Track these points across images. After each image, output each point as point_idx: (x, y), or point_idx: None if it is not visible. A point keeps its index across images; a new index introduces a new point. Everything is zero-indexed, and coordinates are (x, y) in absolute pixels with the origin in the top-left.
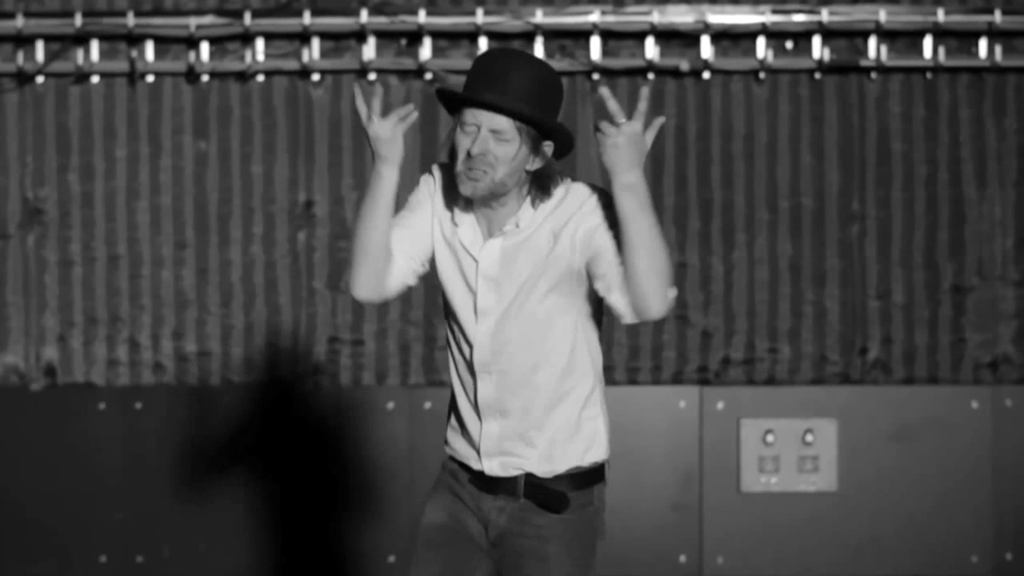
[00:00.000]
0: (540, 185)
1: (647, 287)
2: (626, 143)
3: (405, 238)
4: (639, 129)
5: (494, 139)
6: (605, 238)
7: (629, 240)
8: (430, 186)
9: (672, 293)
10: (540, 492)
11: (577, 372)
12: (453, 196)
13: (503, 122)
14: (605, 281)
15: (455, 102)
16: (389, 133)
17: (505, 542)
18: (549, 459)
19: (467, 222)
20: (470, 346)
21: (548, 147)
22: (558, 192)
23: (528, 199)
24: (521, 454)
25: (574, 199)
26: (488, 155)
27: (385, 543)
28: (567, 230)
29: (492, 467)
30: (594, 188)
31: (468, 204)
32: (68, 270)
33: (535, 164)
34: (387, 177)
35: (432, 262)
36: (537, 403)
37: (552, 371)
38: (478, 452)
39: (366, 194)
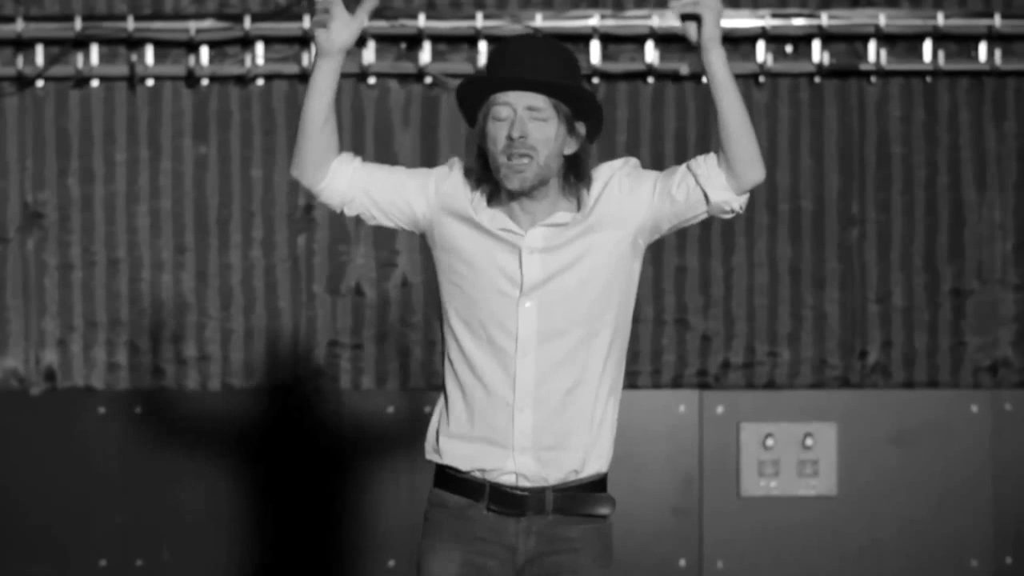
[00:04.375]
0: (577, 172)
1: (749, 148)
2: (716, 5)
3: (379, 180)
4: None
5: (532, 119)
6: (658, 183)
7: (727, 104)
8: (442, 173)
9: None
10: (574, 501)
11: (614, 355)
12: (483, 193)
13: (538, 99)
14: (689, 188)
15: (477, 94)
16: (328, 19)
17: (535, 564)
18: (583, 456)
19: (493, 214)
20: (510, 330)
21: (581, 127)
22: (595, 183)
23: (567, 191)
24: (554, 445)
25: (603, 179)
26: (528, 138)
27: (385, 547)
28: (612, 212)
29: (526, 464)
30: (609, 164)
31: (494, 199)
32: (68, 274)
33: (571, 146)
34: (319, 67)
35: (438, 248)
36: (573, 384)
37: (593, 349)
38: (511, 451)
39: None
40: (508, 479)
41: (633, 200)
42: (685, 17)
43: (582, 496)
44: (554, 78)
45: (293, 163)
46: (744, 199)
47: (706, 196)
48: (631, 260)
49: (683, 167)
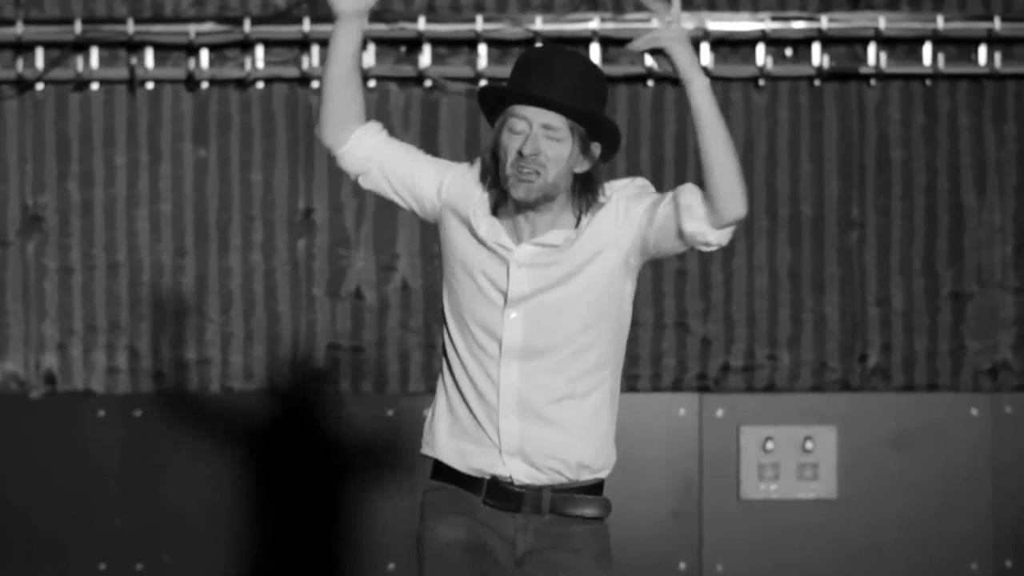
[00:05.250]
0: (587, 189)
1: (731, 183)
2: (680, 35)
3: (396, 157)
4: (687, 28)
5: (546, 138)
6: (652, 205)
7: (710, 136)
8: (460, 171)
9: None
10: (570, 503)
11: (607, 367)
12: (490, 198)
13: (555, 118)
14: (668, 215)
15: (501, 99)
16: None
17: (533, 559)
18: (576, 466)
19: (491, 223)
20: (494, 336)
21: (596, 148)
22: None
23: (574, 207)
24: (544, 453)
25: (608, 198)
26: (540, 155)
27: (385, 550)
28: (606, 233)
29: (517, 467)
30: (612, 185)
31: (499, 208)
32: (68, 277)
33: (583, 166)
34: (335, 32)
35: (437, 228)
36: (563, 394)
37: (585, 362)
38: (499, 453)
39: None
40: (503, 477)
41: (627, 222)
42: (655, 52)
43: (578, 498)
44: (575, 100)
45: (317, 124)
46: (724, 234)
47: (680, 225)
48: (623, 279)
49: (671, 193)
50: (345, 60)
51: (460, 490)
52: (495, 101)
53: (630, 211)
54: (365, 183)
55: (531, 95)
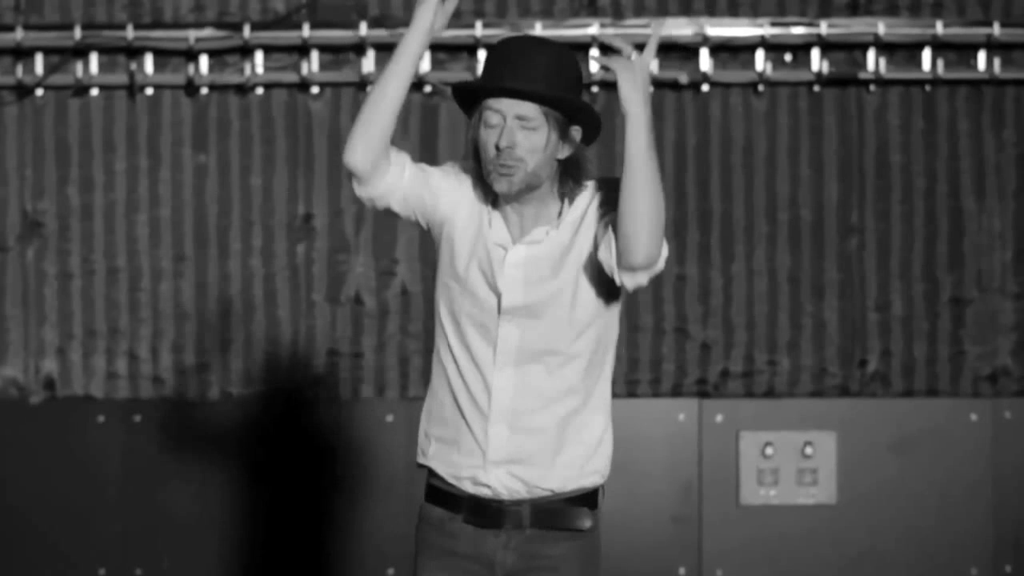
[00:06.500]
0: (572, 176)
1: (638, 228)
2: (642, 76)
3: (423, 185)
4: (649, 62)
5: (520, 128)
6: (607, 217)
7: (630, 179)
8: (476, 174)
9: (665, 250)
10: (552, 515)
11: (595, 376)
12: (484, 193)
13: (528, 107)
14: (598, 243)
15: (472, 94)
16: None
17: None
18: (563, 470)
19: (497, 221)
20: (489, 341)
21: (576, 132)
22: (585, 193)
23: (559, 195)
24: (530, 462)
25: (587, 199)
26: (516, 148)
27: (384, 555)
28: (585, 235)
29: (499, 477)
30: (604, 180)
31: (496, 202)
32: (67, 283)
33: (565, 151)
34: (411, 42)
35: (439, 240)
36: (553, 402)
37: (575, 369)
38: (484, 461)
39: None
40: (484, 492)
41: (592, 224)
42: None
43: (560, 509)
44: (544, 87)
45: (350, 147)
46: (633, 279)
47: (597, 250)
48: (608, 282)
49: (608, 221)
50: (408, 78)
51: (443, 515)
52: (471, 98)
53: (595, 214)
54: (380, 204)
55: (499, 87)
